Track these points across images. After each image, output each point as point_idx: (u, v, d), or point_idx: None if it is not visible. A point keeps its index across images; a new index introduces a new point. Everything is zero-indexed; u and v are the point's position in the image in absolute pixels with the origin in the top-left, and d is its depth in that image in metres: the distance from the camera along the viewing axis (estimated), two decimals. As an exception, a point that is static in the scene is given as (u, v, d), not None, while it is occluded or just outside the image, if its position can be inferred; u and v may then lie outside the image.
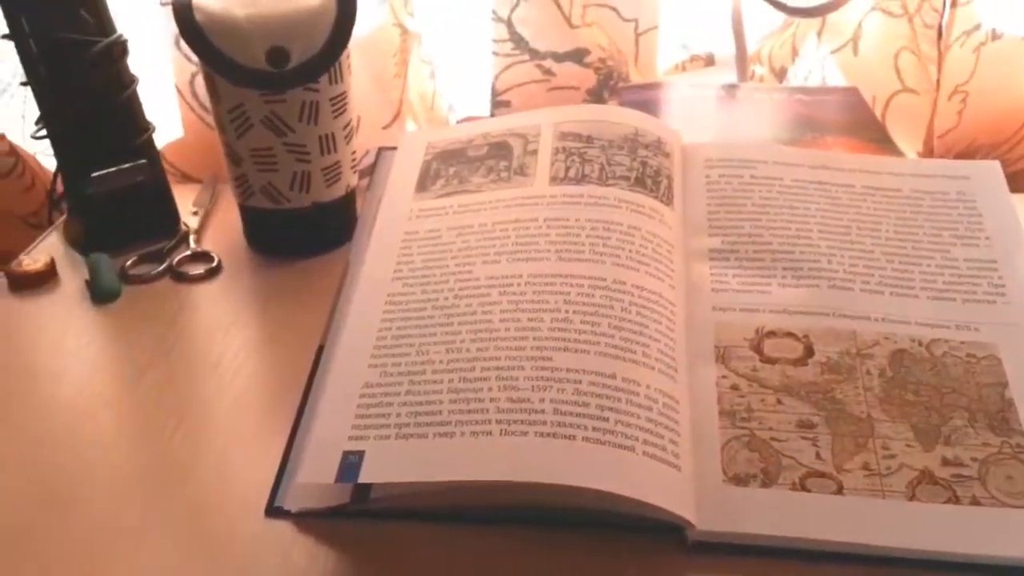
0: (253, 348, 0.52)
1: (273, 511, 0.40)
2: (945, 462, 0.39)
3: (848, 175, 0.51)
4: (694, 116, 0.67)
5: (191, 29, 0.53)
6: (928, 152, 0.71)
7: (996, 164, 0.52)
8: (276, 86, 0.54)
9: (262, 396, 0.48)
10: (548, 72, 0.75)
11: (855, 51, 0.72)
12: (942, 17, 0.65)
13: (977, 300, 0.46)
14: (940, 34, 0.66)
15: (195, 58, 0.61)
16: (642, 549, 0.38)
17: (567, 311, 0.42)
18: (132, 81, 0.60)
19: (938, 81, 0.68)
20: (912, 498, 0.38)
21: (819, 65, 0.74)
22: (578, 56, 0.74)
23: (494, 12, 0.72)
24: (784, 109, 0.67)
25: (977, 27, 0.69)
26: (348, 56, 0.57)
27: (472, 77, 0.77)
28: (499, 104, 0.76)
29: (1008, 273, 0.47)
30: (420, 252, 0.47)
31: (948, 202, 0.50)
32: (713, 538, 0.38)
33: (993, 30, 0.69)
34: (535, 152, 0.51)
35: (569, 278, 0.44)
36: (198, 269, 0.60)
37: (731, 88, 0.71)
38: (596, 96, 0.75)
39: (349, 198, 0.61)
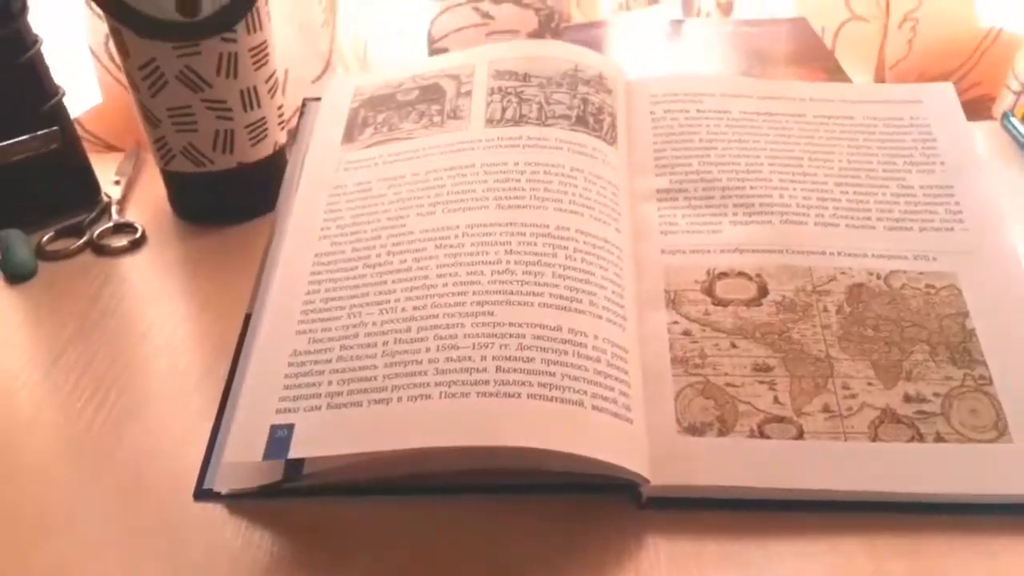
0: (180, 320, 0.49)
1: (202, 493, 0.38)
2: (907, 398, 0.38)
3: (799, 104, 0.49)
4: (640, 55, 0.64)
5: (89, -22, 0.49)
6: (879, 81, 0.69)
7: (949, 86, 0.50)
8: (188, 36, 0.50)
9: (191, 371, 0.45)
10: (486, 16, 0.71)
11: (803, -20, 0.69)
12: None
13: (935, 228, 0.44)
14: (888, -44, 0.63)
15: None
16: (595, 508, 0.36)
17: (508, 262, 0.40)
18: (35, 41, 0.55)
19: (887, 5, 0.66)
20: (875, 439, 0.37)
21: (766, -3, 0.71)
22: (516, -3, 0.70)
23: (426, -46, 0.68)
24: (731, 43, 0.64)
25: (926, -49, 0.66)
26: (267, 2, 0.53)
27: (407, 24, 0.72)
28: (436, 51, 0.72)
29: (964, 199, 0.45)
30: (349, 207, 0.44)
31: (902, 127, 0.48)
32: (669, 492, 0.36)
33: (941, -48, 0.67)
34: (469, 93, 0.48)
35: (510, 226, 0.41)
36: (120, 241, 0.56)
37: (677, 24, 0.68)
38: (537, 39, 0.72)
39: (277, 157, 0.57)
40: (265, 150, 0.56)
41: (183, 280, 0.53)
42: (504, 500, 0.37)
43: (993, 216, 0.44)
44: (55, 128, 0.57)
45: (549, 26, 0.71)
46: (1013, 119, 0.64)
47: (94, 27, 0.66)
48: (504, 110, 0.46)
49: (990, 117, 0.70)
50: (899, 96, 0.50)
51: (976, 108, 0.74)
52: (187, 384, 0.44)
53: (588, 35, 0.67)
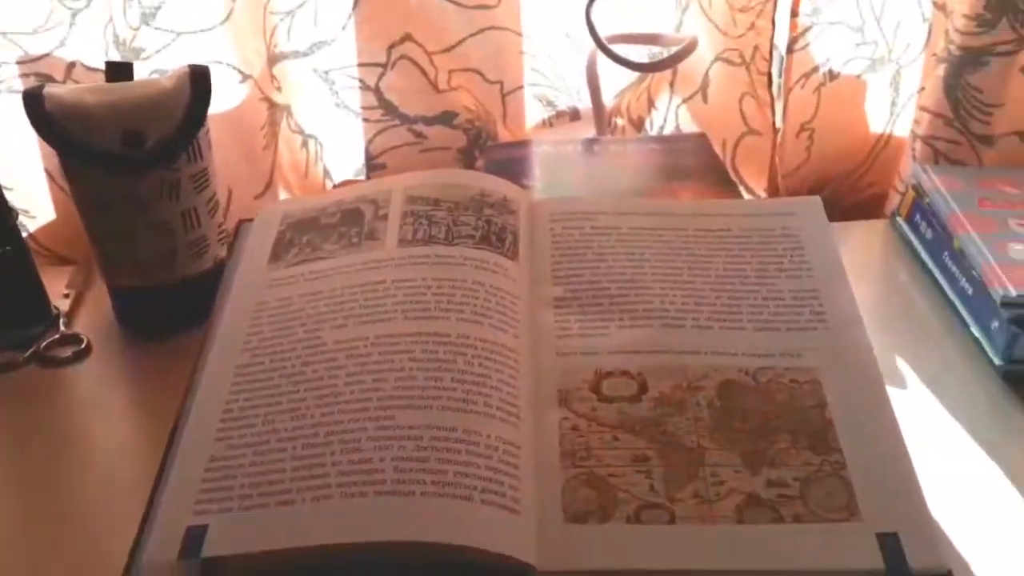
0: (115, 428, 0.52)
1: (126, 592, 0.41)
2: (770, 483, 0.42)
3: (682, 219, 0.55)
4: (558, 171, 0.70)
5: (41, 118, 0.54)
6: (772, 187, 0.76)
7: (817, 199, 0.56)
8: (132, 169, 0.55)
9: (123, 476, 0.48)
10: (420, 135, 0.77)
11: (704, 99, 0.77)
12: (770, 65, 0.70)
13: (800, 328, 0.49)
14: (770, 80, 0.71)
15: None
16: (489, 594, 0.40)
17: (411, 369, 0.44)
18: (-9, 171, 0.60)
19: (773, 124, 0.72)
20: (740, 521, 0.41)
21: (673, 114, 0.78)
22: (447, 119, 0.76)
23: (361, 81, 0.74)
24: (639, 159, 0.71)
25: (815, 69, 0.74)
26: (207, 132, 0.59)
27: (346, 142, 0.78)
28: (374, 167, 0.78)
29: (828, 301, 0.50)
30: (270, 322, 0.48)
31: (774, 238, 0.54)
32: (555, 577, 0.39)
33: (830, 71, 0.74)
34: (385, 217, 0.53)
35: (415, 336, 0.46)
36: (65, 352, 0.59)
37: (590, 142, 0.74)
38: (467, 155, 0.78)
39: (218, 271, 0.62)
40: (205, 265, 0.61)
41: (123, 389, 0.56)
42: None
43: (852, 316, 0.49)
44: (8, 249, 0.61)
45: (477, 144, 0.78)
46: (899, 219, 0.71)
47: (47, 150, 0.71)
48: (416, 231, 0.52)
49: (884, 216, 0.76)
50: (772, 210, 0.56)
51: (873, 206, 0.80)
52: (118, 489, 0.47)
53: (511, 154, 0.73)
